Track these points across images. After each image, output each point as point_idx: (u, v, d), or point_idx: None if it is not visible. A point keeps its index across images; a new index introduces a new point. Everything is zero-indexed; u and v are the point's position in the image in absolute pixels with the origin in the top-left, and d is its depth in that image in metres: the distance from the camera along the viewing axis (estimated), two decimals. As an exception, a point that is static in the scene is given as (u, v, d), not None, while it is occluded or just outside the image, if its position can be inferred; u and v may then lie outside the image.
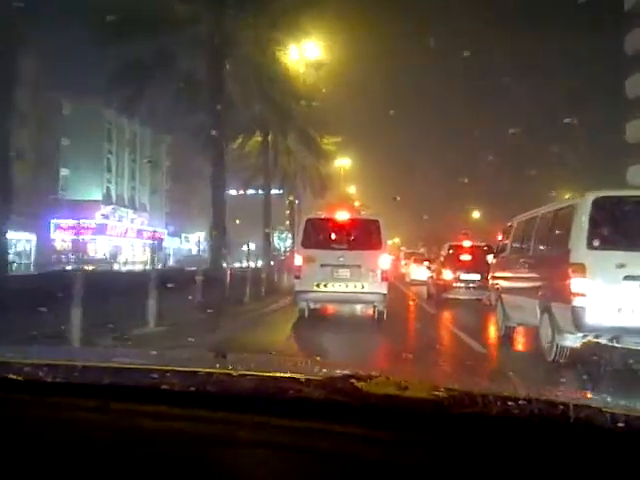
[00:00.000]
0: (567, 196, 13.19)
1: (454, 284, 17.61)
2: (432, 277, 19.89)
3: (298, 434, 1.15)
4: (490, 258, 13.75)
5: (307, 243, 12.35)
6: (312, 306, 12.53)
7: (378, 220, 12.51)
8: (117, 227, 56.60)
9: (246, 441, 1.15)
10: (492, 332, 11.81)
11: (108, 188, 57.52)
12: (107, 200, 57.41)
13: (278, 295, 16.84)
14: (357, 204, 18.21)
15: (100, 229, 54.86)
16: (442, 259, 19.45)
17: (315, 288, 12.04)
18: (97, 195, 56.59)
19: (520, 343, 10.65)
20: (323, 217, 12.61)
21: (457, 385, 1.37)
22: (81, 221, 53.62)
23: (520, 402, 1.19)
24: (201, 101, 17.08)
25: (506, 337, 10.58)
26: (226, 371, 1.38)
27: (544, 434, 1.11)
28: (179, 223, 66.23)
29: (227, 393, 1.26)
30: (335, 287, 12.08)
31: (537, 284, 8.77)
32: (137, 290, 10.18)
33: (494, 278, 12.09)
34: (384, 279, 12.16)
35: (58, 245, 54.30)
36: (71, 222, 53.35)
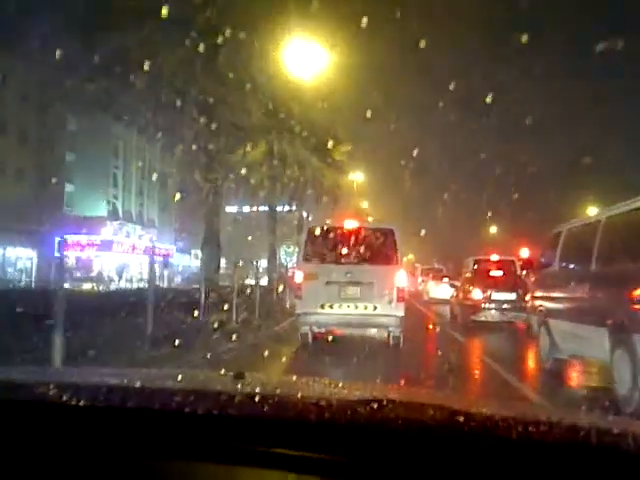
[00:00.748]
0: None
1: (484, 305, 15.37)
2: (456, 296, 17.65)
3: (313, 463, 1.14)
4: (524, 274, 11.59)
5: (310, 257, 10.33)
6: (316, 330, 10.45)
7: (393, 230, 10.44)
8: (124, 243, 55.00)
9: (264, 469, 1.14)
10: (534, 364, 9.71)
11: (114, 204, 56.12)
12: (113, 216, 56.01)
13: (272, 320, 14.30)
14: (370, 219, 16.05)
15: (106, 245, 53.31)
16: (469, 275, 17.27)
17: (319, 310, 10.05)
18: (103, 211, 55.22)
19: (574, 381, 8.51)
20: (328, 226, 10.52)
21: (478, 410, 1.34)
22: (86, 237, 52.09)
23: (541, 427, 1.17)
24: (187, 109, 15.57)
25: (553, 372, 8.55)
26: (247, 392, 1.37)
27: (566, 459, 1.09)
28: (189, 239, 64.61)
29: (247, 416, 1.24)
30: (343, 309, 10.07)
31: (606, 308, 6.65)
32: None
33: (536, 298, 9.98)
34: (400, 299, 10.11)
35: (71, 262, 52.73)
36: (76, 238, 51.79)
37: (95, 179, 54.61)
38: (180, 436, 1.21)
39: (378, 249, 10.14)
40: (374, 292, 10.09)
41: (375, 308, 10.05)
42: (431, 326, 16.48)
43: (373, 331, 10.99)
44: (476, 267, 17.89)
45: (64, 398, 1.28)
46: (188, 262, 65.92)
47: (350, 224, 10.42)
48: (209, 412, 1.23)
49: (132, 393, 1.34)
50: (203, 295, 12.53)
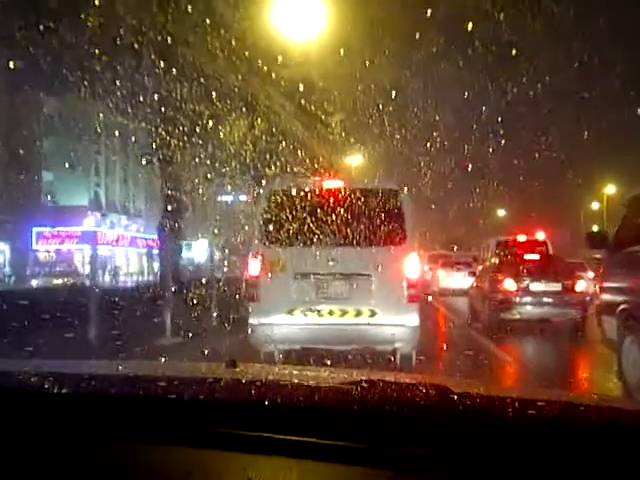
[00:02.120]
0: None
1: (518, 298, 11.65)
2: (477, 287, 13.94)
3: (309, 447, 1.12)
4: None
5: (271, 236, 6.71)
6: (281, 347, 6.81)
7: (397, 191, 6.79)
8: (107, 235, 51.51)
9: (256, 454, 1.13)
10: (614, 386, 6.33)
11: (97, 192, 52.53)
12: (96, 205, 52.42)
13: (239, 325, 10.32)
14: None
15: (87, 237, 49.68)
16: (493, 261, 13.62)
17: (285, 318, 6.47)
18: (84, 200, 51.66)
19: None
20: (299, 188, 6.82)
21: (474, 389, 1.34)
22: (66, 229, 48.66)
23: (538, 405, 1.19)
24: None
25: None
26: (236, 378, 1.40)
27: (564, 436, 1.09)
28: (179, 229, 60.88)
29: (237, 401, 1.26)
30: (323, 316, 6.56)
31: None
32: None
33: (611, 292, 6.49)
34: (413, 299, 6.57)
35: (41, 256, 49.48)
36: (54, 230, 48.34)
37: (76, 166, 50.81)
38: (173, 422, 1.19)
39: (377, 222, 6.49)
40: (371, 289, 6.57)
41: (373, 314, 6.49)
42: (449, 326, 12.81)
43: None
44: (502, 251, 14.32)
45: (46, 386, 1.29)
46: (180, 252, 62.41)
47: (333, 184, 6.77)
48: (203, 398, 1.24)
49: (120, 381, 1.39)
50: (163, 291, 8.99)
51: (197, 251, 48.47)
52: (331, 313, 6.54)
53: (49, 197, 49.19)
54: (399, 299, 6.49)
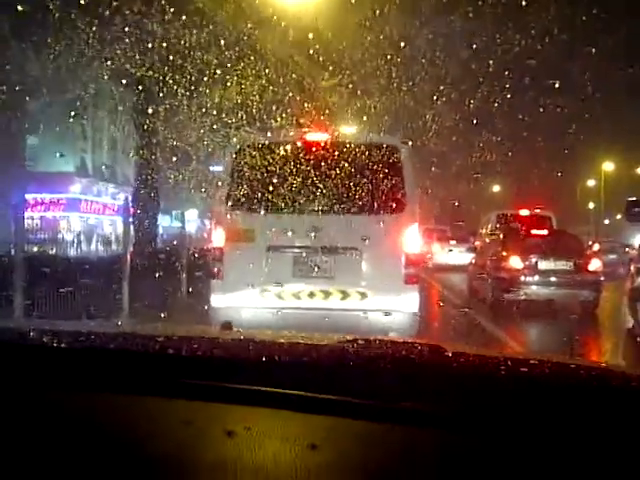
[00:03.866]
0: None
1: (525, 277, 10.50)
2: (478, 264, 12.78)
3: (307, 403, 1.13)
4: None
5: (239, 200, 5.48)
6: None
7: (397, 146, 5.54)
8: (93, 203, 50.25)
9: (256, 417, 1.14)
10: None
11: (83, 158, 51.07)
12: (82, 172, 50.97)
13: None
14: (352, 129, 10.58)
15: (73, 205, 48.50)
16: (495, 237, 12.48)
17: (255, 301, 5.29)
18: (70, 167, 50.24)
19: None
20: (274, 141, 5.55)
21: (467, 349, 1.37)
22: (51, 196, 47.39)
23: (530, 364, 1.22)
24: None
25: None
26: (232, 337, 1.48)
27: (555, 392, 1.11)
28: (171, 198, 59.54)
29: (234, 358, 1.27)
30: (301, 299, 5.35)
31: None
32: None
33: None
34: (411, 279, 5.38)
35: (26, 223, 47.98)
36: (39, 197, 47.03)
37: (61, 131, 49.23)
38: (172, 376, 1.20)
39: (369, 184, 5.28)
40: (361, 267, 5.39)
41: (363, 297, 5.32)
42: (448, 310, 11.63)
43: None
44: (504, 226, 13.24)
45: (44, 341, 1.32)
46: (168, 223, 61.28)
47: (316, 136, 5.51)
48: (201, 354, 1.27)
49: (117, 337, 1.42)
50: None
51: (187, 221, 46.75)
52: (311, 295, 5.37)
53: (32, 162, 47.88)
54: (395, 279, 5.33)
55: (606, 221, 45.02)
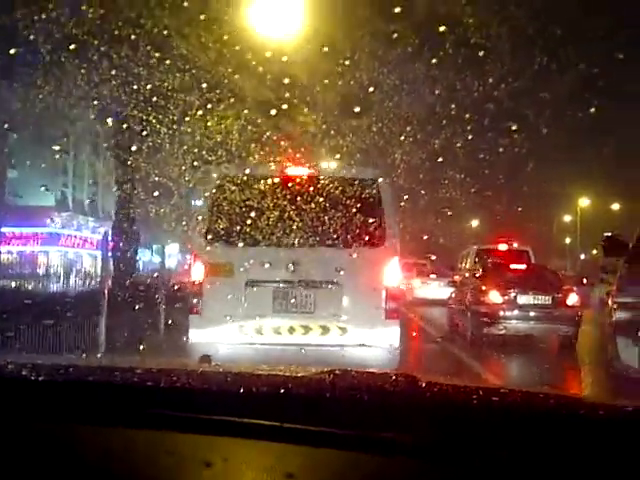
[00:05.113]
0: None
1: (505, 312, 10.54)
2: (458, 299, 12.81)
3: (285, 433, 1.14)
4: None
5: (218, 233, 5.46)
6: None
7: (377, 181, 5.59)
8: (74, 237, 49.83)
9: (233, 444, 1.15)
10: None
11: (64, 192, 50.77)
12: (62, 206, 50.63)
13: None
14: (333, 164, 10.60)
15: (52, 239, 48.03)
16: (476, 271, 12.54)
17: (234, 337, 5.25)
18: (51, 200, 49.89)
19: None
20: (254, 174, 5.56)
21: (442, 380, 1.41)
22: (30, 230, 46.97)
23: (501, 391, 1.27)
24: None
25: None
26: (211, 370, 1.52)
27: (525, 422, 1.12)
28: (151, 233, 59.19)
29: (212, 390, 1.29)
30: (281, 334, 5.31)
31: None
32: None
33: (625, 307, 5.51)
34: (392, 313, 5.37)
35: (3, 257, 47.50)
36: (17, 231, 46.56)
37: (42, 165, 49.04)
38: (151, 408, 1.21)
39: (349, 218, 5.30)
40: (342, 301, 5.37)
41: (343, 332, 5.30)
42: (429, 345, 11.62)
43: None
44: (483, 261, 13.33)
45: (27, 375, 1.32)
46: (149, 257, 60.84)
47: (296, 170, 5.54)
48: (180, 386, 1.28)
49: (98, 370, 1.43)
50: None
51: (168, 255, 46.81)
52: (291, 330, 5.33)
53: (13, 196, 47.51)
54: (376, 314, 5.32)
55: (582, 256, 45.50)
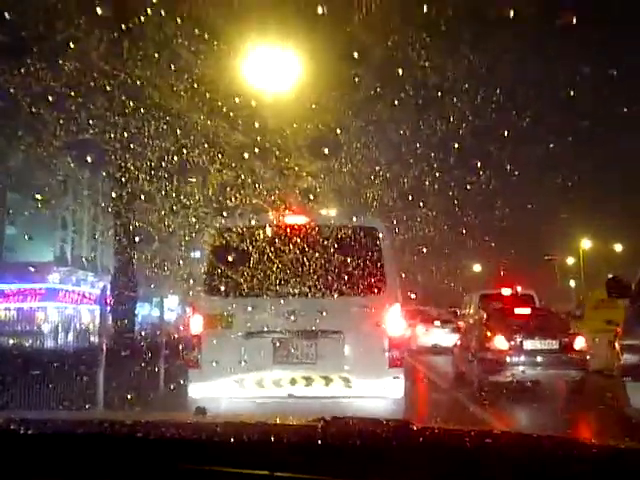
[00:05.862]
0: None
1: (512, 358, 10.32)
2: (463, 346, 12.60)
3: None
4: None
5: (216, 285, 5.35)
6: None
7: (376, 228, 5.52)
8: (72, 293, 49.64)
9: None
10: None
11: (62, 248, 50.85)
12: (61, 262, 50.67)
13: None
14: (332, 211, 10.58)
15: (51, 295, 47.88)
16: (480, 317, 12.37)
17: (234, 391, 5.09)
18: (50, 256, 49.96)
19: None
20: (252, 225, 5.49)
21: (436, 425, 1.37)
22: (29, 286, 46.86)
23: (495, 432, 1.29)
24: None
25: None
26: (206, 421, 1.56)
27: (519, 463, 1.11)
28: (150, 285, 58.93)
29: (204, 441, 1.27)
30: (283, 386, 5.14)
31: None
32: None
33: (632, 350, 5.37)
34: (396, 363, 5.20)
35: (1, 314, 47.30)
36: (16, 287, 46.49)
37: (41, 221, 49.31)
38: (150, 460, 1.20)
39: (349, 266, 5.20)
40: (344, 351, 5.24)
41: (347, 383, 5.14)
42: (434, 395, 11.35)
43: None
44: (486, 305, 13.17)
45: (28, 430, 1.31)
46: (148, 311, 60.46)
47: (294, 219, 5.47)
48: (177, 438, 1.27)
49: (97, 425, 1.41)
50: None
51: (167, 309, 46.29)
52: (293, 382, 5.17)
53: (11, 252, 47.51)
54: (379, 363, 5.17)
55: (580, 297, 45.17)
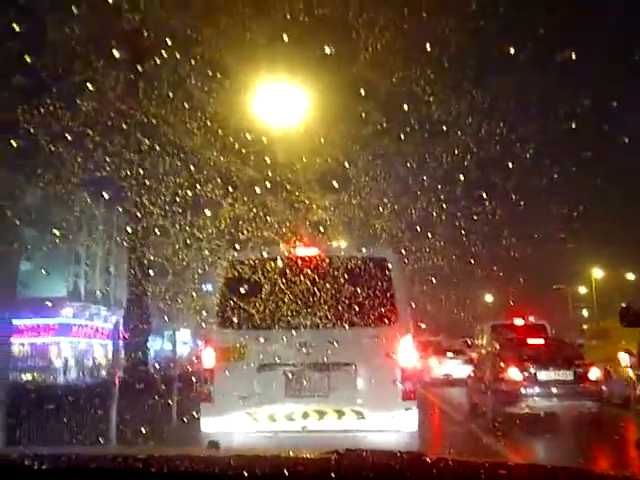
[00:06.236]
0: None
1: (526, 389, 10.23)
2: (477, 377, 12.50)
3: None
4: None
5: (229, 317, 5.40)
6: None
7: (385, 259, 5.57)
8: (85, 327, 49.79)
9: None
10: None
11: (76, 283, 51.10)
12: (75, 296, 50.89)
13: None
14: (341, 243, 10.68)
15: (64, 330, 48.05)
16: (493, 348, 12.30)
17: (246, 425, 5.11)
18: (63, 291, 50.20)
19: None
20: (264, 257, 5.55)
21: (447, 455, 1.34)
22: (42, 321, 47.05)
23: (509, 464, 1.26)
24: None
25: None
26: (219, 455, 1.55)
27: None
28: (163, 319, 58.85)
29: (217, 474, 1.29)
30: (295, 420, 5.14)
31: None
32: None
33: None
34: (409, 395, 5.18)
35: (15, 349, 47.34)
36: (30, 322, 46.62)
37: (55, 256, 49.68)
38: None
39: (361, 297, 5.24)
40: (356, 383, 5.24)
41: (360, 416, 5.12)
42: (448, 428, 11.23)
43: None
44: (498, 336, 13.11)
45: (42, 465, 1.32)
46: (161, 344, 60.33)
47: (305, 251, 5.54)
48: (192, 471, 1.27)
49: (111, 459, 1.42)
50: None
51: (180, 342, 46.38)
52: (305, 416, 5.17)
53: (25, 288, 47.78)
54: (392, 396, 5.16)
55: (585, 326, 44.64)
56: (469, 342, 21.20)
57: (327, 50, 7.56)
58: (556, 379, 10.26)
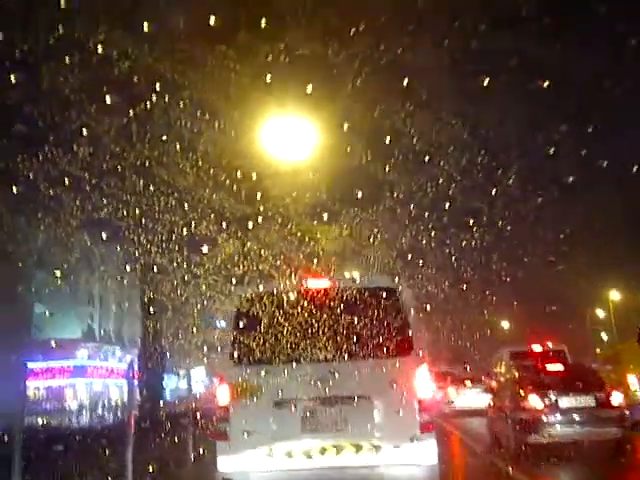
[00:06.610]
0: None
1: (548, 417, 10.01)
2: (497, 406, 12.28)
3: None
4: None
5: (243, 354, 5.35)
6: None
7: (395, 289, 5.51)
8: (100, 368, 49.64)
9: None
10: None
11: (90, 324, 51.14)
12: (89, 337, 50.91)
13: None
14: (355, 274, 10.74)
15: (79, 371, 47.89)
16: (512, 375, 12.11)
17: (263, 463, 4.99)
18: (77, 332, 50.22)
19: None
20: (275, 292, 5.52)
21: None
22: (57, 363, 46.95)
23: None
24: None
25: None
26: None
27: None
28: (178, 357, 58.64)
29: None
30: (313, 457, 5.04)
31: None
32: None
33: None
34: (427, 427, 5.08)
35: (30, 393, 47.20)
36: (45, 365, 46.51)
37: (68, 297, 49.81)
38: None
39: (373, 328, 5.18)
40: (373, 416, 5.13)
41: (377, 450, 5.02)
42: (467, 456, 11.02)
43: None
44: (517, 363, 12.90)
45: None
46: (176, 383, 59.99)
47: (317, 283, 5.51)
48: None
49: None
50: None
51: (195, 380, 46.02)
52: (323, 452, 5.07)
53: (40, 330, 47.80)
54: (410, 428, 5.06)
55: (597, 350, 43.92)
56: (488, 371, 20.87)
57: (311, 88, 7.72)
58: (578, 405, 10.03)
